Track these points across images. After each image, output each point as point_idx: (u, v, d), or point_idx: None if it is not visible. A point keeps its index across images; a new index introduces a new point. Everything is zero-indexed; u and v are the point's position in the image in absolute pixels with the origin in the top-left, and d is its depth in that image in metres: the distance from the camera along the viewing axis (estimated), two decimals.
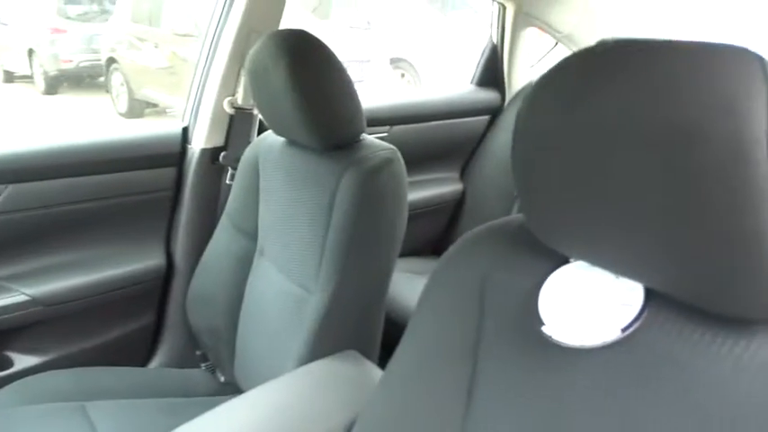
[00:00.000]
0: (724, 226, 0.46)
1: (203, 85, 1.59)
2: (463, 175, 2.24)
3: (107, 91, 6.58)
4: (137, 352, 1.65)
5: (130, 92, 6.05)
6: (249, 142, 1.56)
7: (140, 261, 1.57)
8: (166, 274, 1.62)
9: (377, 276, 1.16)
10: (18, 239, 1.42)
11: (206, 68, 1.59)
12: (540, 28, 2.08)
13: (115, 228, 1.54)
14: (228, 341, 1.35)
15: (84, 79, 7.00)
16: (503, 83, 2.16)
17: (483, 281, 0.68)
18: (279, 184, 1.26)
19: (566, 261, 0.64)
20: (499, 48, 2.11)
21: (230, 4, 1.51)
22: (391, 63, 6.24)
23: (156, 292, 1.63)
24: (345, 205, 1.10)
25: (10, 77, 8.14)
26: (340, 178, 1.11)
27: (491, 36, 2.12)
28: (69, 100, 7.06)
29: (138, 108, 6.02)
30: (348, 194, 1.10)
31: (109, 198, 1.50)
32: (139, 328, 1.63)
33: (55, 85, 7.29)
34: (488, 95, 2.16)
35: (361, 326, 1.18)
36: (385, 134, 1.96)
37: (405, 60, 6.38)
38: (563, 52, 2.18)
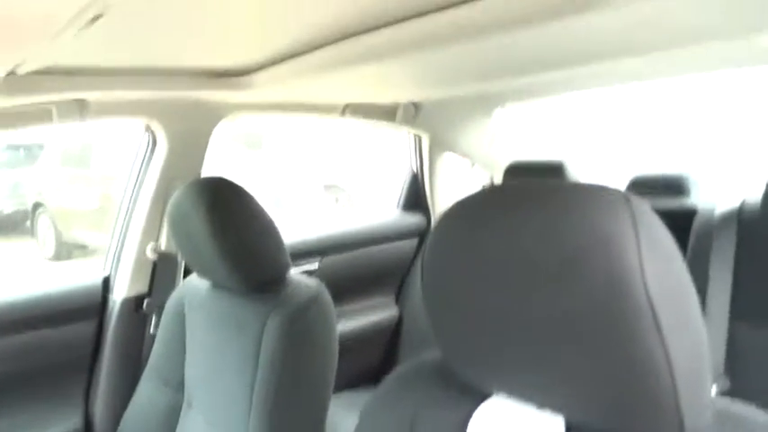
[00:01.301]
0: (616, 355, 0.48)
1: (125, 232, 1.58)
2: (398, 299, 2.24)
3: (33, 235, 6.39)
4: None
5: (58, 235, 5.90)
6: (174, 288, 1.53)
7: (57, 425, 1.45)
8: None
9: (310, 419, 1.11)
10: None
11: (128, 215, 1.58)
12: (456, 153, 2.21)
13: (30, 390, 1.43)
14: None
15: (9, 225, 6.79)
16: (427, 206, 2.24)
17: (412, 419, 0.67)
18: (204, 329, 1.23)
19: (490, 394, 0.64)
20: (419, 174, 2.21)
21: (151, 151, 1.53)
22: (325, 189, 6.41)
23: None
24: (271, 349, 1.08)
25: None
26: (265, 321, 1.10)
27: (410, 164, 2.23)
28: None
29: (65, 251, 5.84)
30: (274, 337, 1.08)
31: (23, 359, 1.41)
32: None
33: None
34: (414, 219, 2.23)
35: None
36: (315, 267, 1.97)
37: (337, 186, 6.56)
38: (480, 172, 2.32)
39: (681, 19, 0.92)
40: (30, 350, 1.42)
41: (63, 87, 1.15)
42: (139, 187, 1.55)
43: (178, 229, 1.20)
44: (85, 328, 1.51)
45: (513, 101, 2.17)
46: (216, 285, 1.24)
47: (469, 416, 0.64)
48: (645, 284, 0.47)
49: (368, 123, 1.92)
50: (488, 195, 0.60)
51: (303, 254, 1.90)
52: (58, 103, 1.21)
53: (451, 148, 2.20)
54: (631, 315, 0.47)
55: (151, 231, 1.54)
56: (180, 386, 1.27)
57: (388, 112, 1.91)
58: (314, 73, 1.27)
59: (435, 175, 2.22)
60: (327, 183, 6.55)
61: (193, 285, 1.30)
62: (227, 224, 1.11)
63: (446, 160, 2.25)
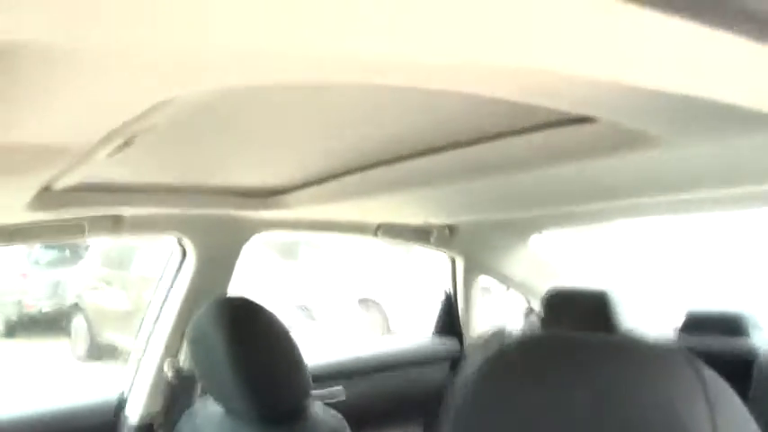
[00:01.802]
0: None
1: (146, 347, 1.53)
2: (425, 428, 2.09)
3: (68, 335, 6.44)
4: None
5: (92, 336, 5.92)
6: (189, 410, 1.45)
7: None
8: None
9: None
10: None
11: (152, 329, 1.54)
12: (492, 277, 2.15)
13: None
14: None
15: (45, 323, 6.89)
16: (460, 330, 2.15)
17: None
18: None
19: None
20: (453, 297, 2.15)
21: (180, 265, 1.52)
22: (360, 303, 6.33)
23: None
24: None
25: None
26: None
27: (445, 286, 2.17)
28: (24, 345, 6.83)
29: (96, 352, 5.84)
30: None
31: None
32: None
33: (14, 329, 7.14)
34: (447, 343, 2.13)
35: None
36: (340, 387, 1.87)
37: (372, 300, 6.48)
38: (517, 297, 2.23)
39: (732, 161, 0.88)
40: None
41: (96, 203, 1.17)
42: (165, 301, 1.53)
43: (196, 349, 1.17)
44: None
45: (550, 227, 2.13)
46: (230, 412, 1.17)
47: None
48: None
49: (401, 244, 1.89)
50: (534, 345, 0.55)
51: (327, 376, 1.81)
52: (91, 219, 1.23)
53: (487, 272, 2.15)
54: None
55: (172, 348, 1.50)
56: None
57: (422, 233, 1.89)
58: (346, 195, 1.27)
59: (470, 298, 2.15)
60: (362, 297, 6.48)
61: (207, 410, 1.23)
62: (246, 347, 1.07)
63: (481, 283, 2.18)
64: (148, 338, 1.54)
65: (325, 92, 0.71)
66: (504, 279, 2.17)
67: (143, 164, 1.06)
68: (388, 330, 6.17)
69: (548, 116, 0.81)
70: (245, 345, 1.07)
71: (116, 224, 1.29)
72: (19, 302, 7.07)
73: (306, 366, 1.11)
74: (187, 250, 1.51)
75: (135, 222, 1.33)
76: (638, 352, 0.49)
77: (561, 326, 1.71)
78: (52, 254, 7.58)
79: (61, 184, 0.98)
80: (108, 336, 5.72)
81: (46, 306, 7.01)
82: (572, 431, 0.48)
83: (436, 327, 2.19)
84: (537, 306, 2.04)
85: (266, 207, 1.38)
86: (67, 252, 7.36)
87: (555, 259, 2.27)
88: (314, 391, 1.14)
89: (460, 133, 0.94)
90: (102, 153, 0.74)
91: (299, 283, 6.41)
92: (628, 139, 0.79)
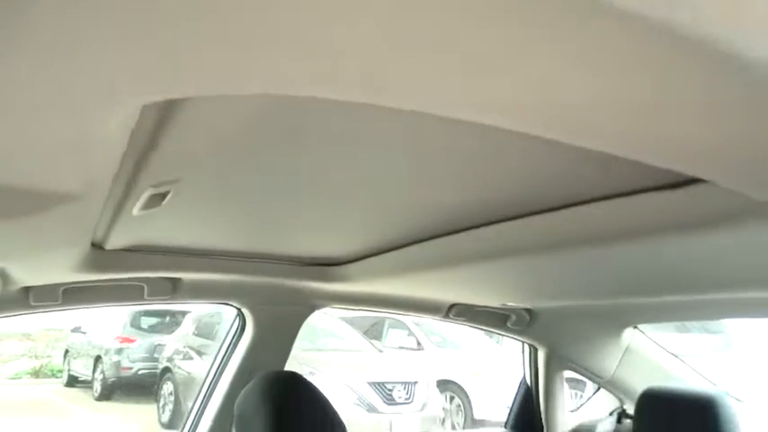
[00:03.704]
0: None
1: (198, 418, 1.48)
2: None
3: (156, 400, 6.61)
4: None
5: (177, 402, 6.03)
6: None
7: None
8: None
9: None
10: None
11: (204, 400, 1.49)
12: (576, 372, 1.94)
13: None
14: None
15: (139, 387, 7.16)
16: (540, 427, 1.93)
17: None
18: None
19: None
20: (533, 389, 1.95)
21: (238, 337, 1.48)
22: (440, 386, 6.07)
23: None
24: None
25: (72, 382, 8.50)
26: None
27: (524, 377, 1.98)
28: (116, 407, 7.10)
29: (178, 419, 5.91)
30: None
31: None
32: None
33: (110, 391, 7.48)
34: None
35: None
36: None
37: (455, 383, 6.20)
38: (605, 398, 1.99)
39: None
40: None
41: (152, 266, 1.16)
42: (221, 373, 1.48)
43: (243, 425, 1.10)
44: None
45: (648, 320, 1.91)
46: None
47: None
48: None
49: (476, 327, 1.76)
50: None
51: None
52: (149, 280, 1.23)
53: (572, 367, 1.94)
54: None
55: (223, 425, 1.43)
56: None
57: (498, 317, 1.75)
58: (411, 269, 1.19)
59: (552, 393, 1.94)
60: (443, 377, 6.21)
61: None
62: (290, 422, 1.01)
63: (565, 378, 1.97)
64: (203, 407, 1.49)
65: (385, 150, 0.67)
66: (592, 375, 1.94)
67: (200, 228, 1.05)
68: (471, 418, 5.83)
69: (649, 176, 0.66)
70: (290, 420, 1.02)
71: (175, 288, 1.29)
72: (116, 364, 7.45)
73: None
74: (246, 321, 1.48)
75: (193, 287, 1.32)
76: None
77: None
78: (154, 320, 7.99)
79: (113, 243, 0.98)
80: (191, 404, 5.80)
81: (141, 369, 7.32)
82: None
83: (513, 421, 1.99)
84: (631, 408, 1.80)
85: (328, 279, 1.33)
86: (167, 318, 7.73)
87: (655, 354, 2.02)
88: None
89: (544, 197, 0.82)
90: (130, 206, 0.73)
91: (381, 364, 6.27)
92: (750, 207, 0.61)
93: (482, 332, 6.39)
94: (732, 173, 0.52)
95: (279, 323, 1.48)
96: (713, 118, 0.37)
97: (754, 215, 0.64)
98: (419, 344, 6.99)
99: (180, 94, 0.42)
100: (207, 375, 1.54)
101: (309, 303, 1.49)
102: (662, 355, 1.98)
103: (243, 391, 1.12)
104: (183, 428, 1.54)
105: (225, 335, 1.54)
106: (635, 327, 1.88)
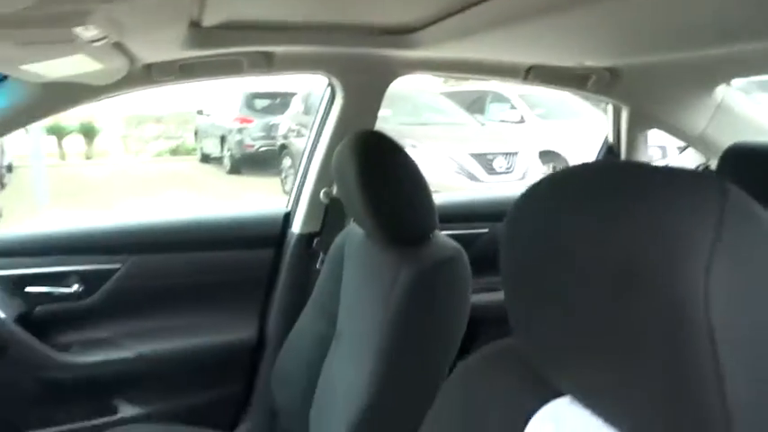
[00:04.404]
0: (671, 385, 0.41)
1: (305, 176, 1.74)
2: None
3: (278, 173, 7.36)
4: (225, 417, 1.75)
5: (296, 173, 6.68)
6: (341, 230, 1.65)
7: (234, 332, 1.70)
8: (257, 347, 1.72)
9: (430, 373, 1.12)
10: (132, 304, 1.64)
11: (308, 161, 1.74)
12: (662, 129, 1.95)
13: (212, 299, 1.70)
14: (302, 423, 1.37)
15: (263, 161, 7.96)
16: None
17: (485, 403, 0.63)
18: (353, 273, 1.31)
19: (559, 394, 0.58)
20: (615, 149, 2.01)
21: (331, 104, 1.66)
22: (542, 156, 6.17)
23: (247, 362, 1.74)
24: (398, 301, 1.10)
25: (206, 159, 9.58)
26: (397, 275, 1.12)
27: (606, 136, 2.04)
28: (245, 180, 8.00)
29: None
30: (401, 291, 1.10)
31: (208, 273, 1.68)
32: (229, 395, 1.74)
33: (238, 166, 8.39)
34: None
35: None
36: (485, 230, 1.94)
37: (557, 153, 6.27)
38: (693, 155, 2.02)
39: None
40: (216, 265, 1.68)
41: (246, 41, 1.29)
42: (319, 137, 1.69)
43: (339, 178, 1.28)
44: (266, 255, 1.73)
45: (744, 74, 1.82)
46: (368, 235, 1.31)
47: (531, 414, 0.59)
48: (709, 321, 0.38)
49: (556, 89, 1.79)
50: (569, 174, 0.52)
51: (472, 216, 1.89)
52: (247, 54, 1.37)
53: (658, 125, 1.93)
54: (690, 353, 0.39)
55: (325, 178, 1.68)
56: (333, 319, 1.37)
57: (578, 78, 1.76)
58: (485, 29, 1.18)
59: (635, 153, 1.99)
60: (545, 149, 6.27)
61: (353, 233, 1.38)
62: (376, 178, 1.15)
63: (650, 137, 2.00)
64: (307, 167, 1.75)
65: None
66: (679, 133, 1.94)
67: (284, 1, 1.12)
68: None
69: None
70: (375, 174, 1.15)
71: (269, 61, 1.43)
72: (240, 143, 8.21)
73: (431, 199, 1.17)
74: (336, 90, 1.63)
75: (286, 59, 1.45)
76: (664, 177, 0.42)
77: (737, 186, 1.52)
78: (266, 102, 8.50)
79: (209, 20, 1.11)
80: None
81: (262, 146, 8.04)
82: (579, 266, 0.45)
83: None
84: (715, 165, 1.82)
85: (403, 46, 1.40)
86: (278, 100, 8.19)
87: (750, 111, 1.95)
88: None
89: None
90: None
91: (483, 136, 6.40)
92: None
93: (589, 103, 6.24)
94: None
95: (364, 90, 1.61)
96: None
97: None
98: (522, 117, 6.98)
99: None
100: (307, 139, 1.76)
101: (391, 70, 1.59)
102: (756, 113, 1.92)
103: (338, 148, 1.28)
104: (294, 184, 1.81)
105: (318, 104, 1.71)
106: (728, 84, 1.82)
